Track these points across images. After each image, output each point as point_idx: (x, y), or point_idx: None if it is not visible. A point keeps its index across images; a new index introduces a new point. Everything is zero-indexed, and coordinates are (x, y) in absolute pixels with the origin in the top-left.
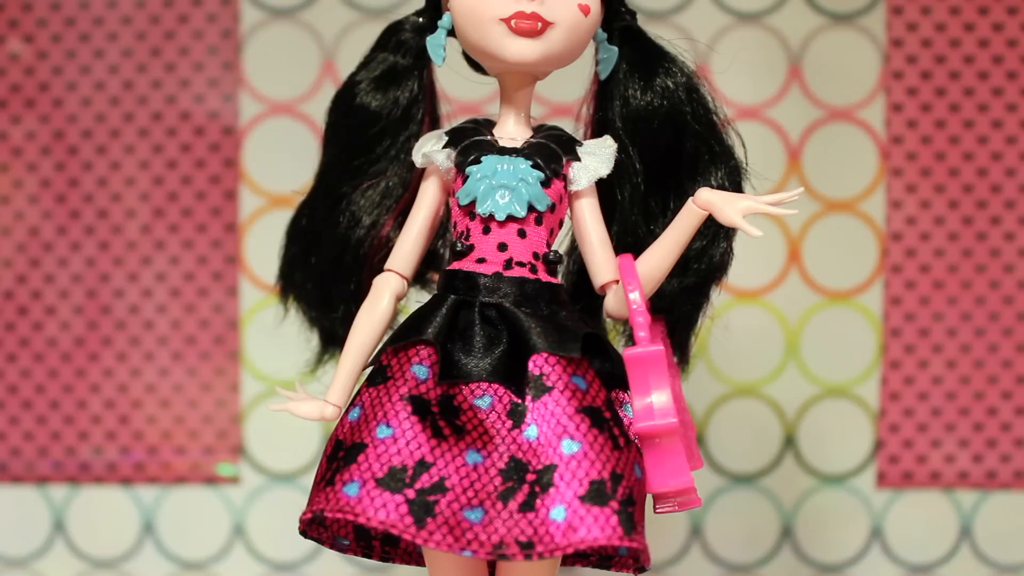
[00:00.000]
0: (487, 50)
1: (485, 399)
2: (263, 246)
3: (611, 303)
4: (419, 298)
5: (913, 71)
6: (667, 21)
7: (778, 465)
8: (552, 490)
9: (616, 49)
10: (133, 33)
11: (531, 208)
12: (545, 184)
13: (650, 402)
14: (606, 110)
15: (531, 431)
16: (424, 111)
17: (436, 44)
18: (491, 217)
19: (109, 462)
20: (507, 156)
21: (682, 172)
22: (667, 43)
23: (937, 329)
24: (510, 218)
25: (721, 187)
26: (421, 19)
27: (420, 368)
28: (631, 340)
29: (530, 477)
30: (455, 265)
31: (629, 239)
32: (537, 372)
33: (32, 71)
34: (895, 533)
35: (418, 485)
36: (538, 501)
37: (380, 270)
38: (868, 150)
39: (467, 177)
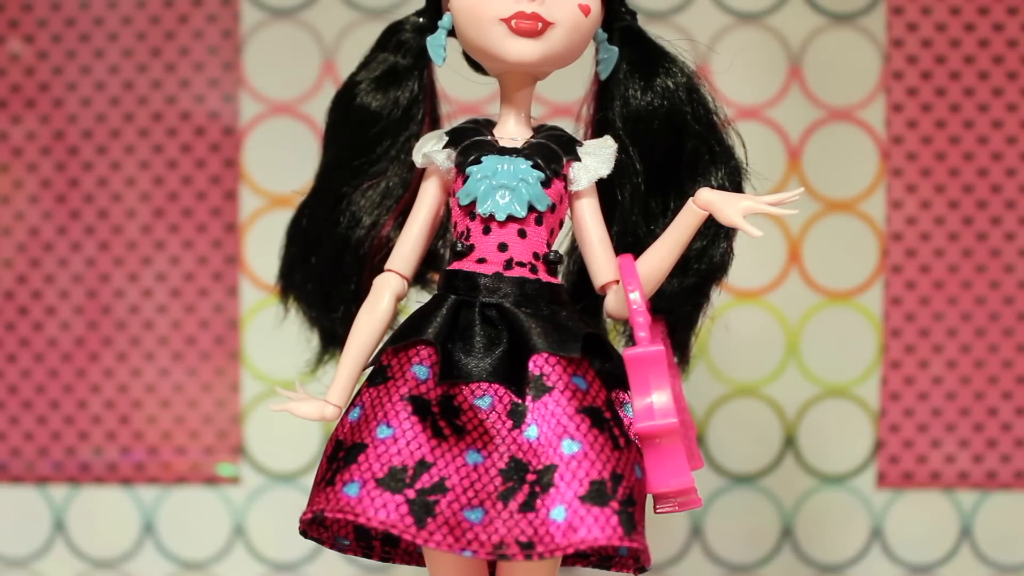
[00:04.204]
0: (487, 50)
1: (485, 399)
2: (263, 246)
3: (611, 303)
4: (419, 298)
5: (913, 71)
6: (667, 21)
7: (778, 465)
8: (552, 490)
9: (616, 49)
10: (133, 33)
11: (531, 208)
12: (545, 184)
13: (650, 402)
14: (606, 110)
15: (531, 431)
16: (424, 111)
17: (436, 44)
18: (491, 217)
19: (109, 462)
20: (507, 156)
21: (682, 172)
22: (667, 43)
23: (937, 329)
24: (510, 218)
25: (721, 187)
26: (421, 19)
27: (420, 368)
28: (631, 340)
29: (530, 477)
30: (455, 265)
31: (629, 239)
32: (537, 372)
33: (32, 71)
34: (895, 533)
35: (418, 485)
36: (538, 501)
37: (380, 270)
38: (868, 150)
39: (467, 177)
